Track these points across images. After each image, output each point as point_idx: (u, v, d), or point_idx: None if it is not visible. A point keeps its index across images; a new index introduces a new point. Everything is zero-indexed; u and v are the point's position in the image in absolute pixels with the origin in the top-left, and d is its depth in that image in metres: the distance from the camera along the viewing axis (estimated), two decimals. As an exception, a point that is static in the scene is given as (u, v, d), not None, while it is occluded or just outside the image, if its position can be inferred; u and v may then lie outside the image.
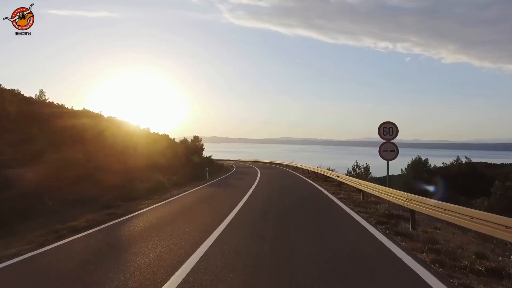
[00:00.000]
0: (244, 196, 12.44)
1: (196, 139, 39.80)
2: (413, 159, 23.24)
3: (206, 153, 42.25)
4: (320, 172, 22.01)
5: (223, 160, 59.90)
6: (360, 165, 23.15)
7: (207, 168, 23.30)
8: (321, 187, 15.94)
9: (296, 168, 32.96)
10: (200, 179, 21.48)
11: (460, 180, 22.18)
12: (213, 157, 44.43)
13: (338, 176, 15.74)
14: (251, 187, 15.76)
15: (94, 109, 28.54)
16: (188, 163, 26.24)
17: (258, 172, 29.56)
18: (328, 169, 21.58)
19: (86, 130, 17.69)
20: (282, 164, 44.04)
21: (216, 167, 35.47)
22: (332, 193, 13.21)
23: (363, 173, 22.13)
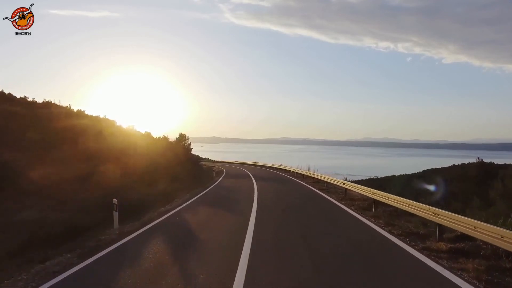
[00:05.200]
0: None
1: (182, 137, 32.96)
2: (469, 162, 18.21)
3: (202, 155, 40.94)
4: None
5: (218, 162, 57.73)
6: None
7: (115, 202, 9.33)
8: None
9: (326, 184, 19.06)
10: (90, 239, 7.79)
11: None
12: (204, 158, 42.11)
13: None
14: None
15: (65, 103, 24.75)
16: (146, 173, 17.28)
17: (254, 188, 18.57)
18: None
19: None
20: (289, 171, 30.83)
21: (198, 174, 26.88)
22: None
23: None
